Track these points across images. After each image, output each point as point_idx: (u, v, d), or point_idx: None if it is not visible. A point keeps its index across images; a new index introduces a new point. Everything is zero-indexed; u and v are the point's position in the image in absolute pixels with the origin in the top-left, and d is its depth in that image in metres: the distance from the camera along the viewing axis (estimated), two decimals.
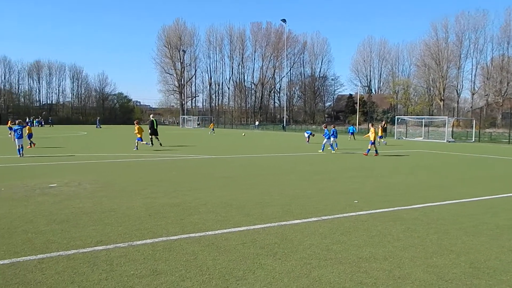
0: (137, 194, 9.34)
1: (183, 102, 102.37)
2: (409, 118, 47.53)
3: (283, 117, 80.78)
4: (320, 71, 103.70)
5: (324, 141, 22.39)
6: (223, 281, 4.49)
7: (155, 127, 24.30)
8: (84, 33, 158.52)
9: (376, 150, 20.85)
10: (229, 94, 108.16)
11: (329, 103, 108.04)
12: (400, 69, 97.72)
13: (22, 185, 10.26)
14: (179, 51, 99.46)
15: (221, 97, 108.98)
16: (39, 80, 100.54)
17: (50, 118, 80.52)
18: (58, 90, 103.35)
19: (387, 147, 28.22)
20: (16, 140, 18.09)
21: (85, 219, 7.02)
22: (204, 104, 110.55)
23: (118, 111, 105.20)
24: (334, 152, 21.80)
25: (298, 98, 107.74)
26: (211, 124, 50.58)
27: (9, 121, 39.60)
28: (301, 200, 8.86)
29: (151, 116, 26.52)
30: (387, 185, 11.26)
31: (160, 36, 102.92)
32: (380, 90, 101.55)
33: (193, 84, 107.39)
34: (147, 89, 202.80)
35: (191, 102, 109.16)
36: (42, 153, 19.68)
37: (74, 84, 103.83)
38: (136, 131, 22.78)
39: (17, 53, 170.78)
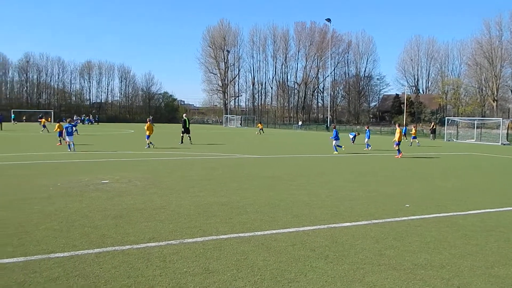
0: (185, 192, 9.49)
1: (226, 102, 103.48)
2: (460, 119, 45.69)
3: (327, 117, 79.89)
4: (365, 71, 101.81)
5: (334, 142, 21.53)
6: (275, 282, 4.46)
7: (187, 126, 25.52)
8: (133, 35, 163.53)
9: (399, 150, 19.72)
10: (272, 94, 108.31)
11: (374, 103, 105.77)
12: (450, 68, 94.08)
13: (77, 181, 10.68)
14: (223, 51, 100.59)
15: (263, 97, 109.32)
16: (89, 79, 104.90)
17: (97, 116, 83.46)
18: (107, 89, 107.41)
19: (439, 149, 27.26)
20: (67, 137, 19.40)
21: (137, 215, 7.20)
22: (247, 103, 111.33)
23: (163, 110, 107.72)
24: (336, 153, 20.97)
25: (342, 98, 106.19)
26: (259, 124, 50.38)
27: (43, 119, 42.90)
28: (350, 202, 8.69)
29: (184, 115, 27.77)
30: (438, 189, 10.85)
31: (205, 36, 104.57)
32: (428, 90, 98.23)
33: (237, 83, 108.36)
34: (191, 88, 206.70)
35: (234, 101, 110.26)
36: (93, 149, 20.44)
37: (122, 84, 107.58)
38: (146, 129, 22.92)
39: (70, 54, 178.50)
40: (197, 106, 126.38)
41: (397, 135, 20.10)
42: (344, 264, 5.05)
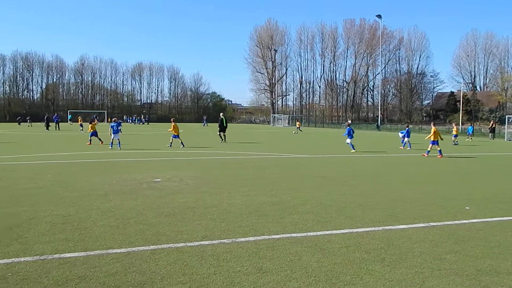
0: (236, 191, 9.54)
1: (274, 101, 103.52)
2: None
3: (377, 116, 77.94)
4: (417, 68, 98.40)
5: (347, 140, 21.25)
6: (330, 284, 4.35)
7: (224, 125, 26.67)
8: (182, 36, 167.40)
9: (439, 151, 18.76)
10: (320, 93, 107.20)
11: (428, 101, 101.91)
12: (510, 64, 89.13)
13: (131, 179, 11.02)
14: (270, 51, 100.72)
15: (311, 96, 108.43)
16: (140, 80, 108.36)
17: (147, 116, 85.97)
18: (157, 90, 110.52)
19: (498, 148, 25.86)
20: (112, 135, 20.83)
21: (190, 213, 7.31)
22: (294, 102, 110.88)
23: (211, 110, 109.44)
24: (354, 151, 20.46)
25: (393, 96, 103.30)
26: (297, 122, 50.19)
27: (80, 119, 46.75)
28: (406, 204, 8.38)
29: (221, 114, 29.17)
30: (501, 191, 10.23)
31: (252, 36, 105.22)
32: (486, 87, 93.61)
33: (284, 82, 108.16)
34: (238, 88, 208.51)
35: (282, 100, 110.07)
36: (144, 149, 21.07)
37: (171, 84, 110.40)
38: (172, 129, 22.86)
39: (122, 56, 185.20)
40: (245, 105, 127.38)
41: (432, 134, 19.15)
42: (402, 268, 4.85)
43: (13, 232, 6.03)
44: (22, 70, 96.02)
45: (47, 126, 44.31)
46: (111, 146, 20.93)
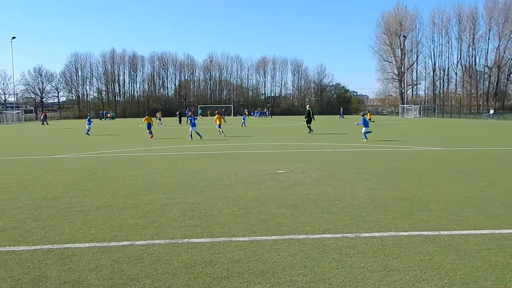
0: (360, 184, 9.17)
1: (403, 91, 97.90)
2: None
3: None
4: None
5: (363, 130, 21.70)
6: None
7: (311, 116, 28.06)
8: (304, 28, 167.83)
9: None
10: (456, 80, 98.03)
11: None
12: None
13: (254, 171, 11.31)
14: (399, 37, 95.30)
15: (446, 84, 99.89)
16: (264, 74, 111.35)
17: (270, 109, 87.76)
18: (281, 83, 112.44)
19: None
20: (191, 127, 23.43)
21: (312, 206, 7.21)
22: (426, 92, 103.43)
23: (335, 102, 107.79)
24: (365, 140, 20.94)
25: None
26: (368, 113, 46.94)
27: (159, 113, 50.22)
28: None
29: (307, 106, 31.09)
30: None
31: (379, 23, 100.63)
32: None
33: (414, 71, 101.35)
34: (364, 78, 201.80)
35: (412, 90, 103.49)
36: (267, 141, 21.57)
37: (294, 77, 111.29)
38: (216, 120, 25.76)
39: (246, 51, 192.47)
40: (371, 97, 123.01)
41: None
42: None
43: (149, 217, 6.59)
44: (158, 69, 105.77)
45: (180, 120, 48.13)
46: (191, 138, 22.96)
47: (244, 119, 41.66)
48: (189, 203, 7.47)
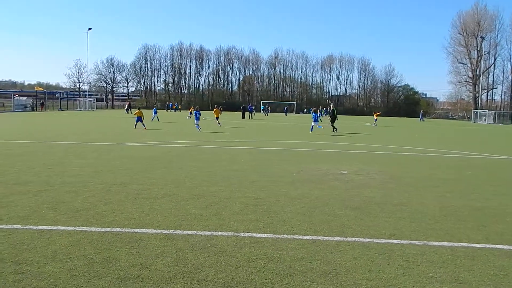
0: (428, 190, 8.76)
1: (477, 95, 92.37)
2: None
3: None
4: None
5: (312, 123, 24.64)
6: None
7: (335, 115, 28.88)
8: (374, 26, 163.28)
9: None
10: None
11: None
12: None
13: (317, 169, 11.17)
14: (476, 38, 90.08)
15: None
16: (330, 72, 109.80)
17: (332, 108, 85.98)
18: (346, 82, 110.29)
19: None
20: (195, 121, 25.94)
21: (377, 209, 6.99)
22: (503, 97, 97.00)
23: (402, 103, 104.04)
24: (310, 132, 24.25)
25: None
26: (375, 113, 44.06)
27: (192, 108, 50.96)
28: None
29: (331, 105, 33.29)
30: None
31: (455, 22, 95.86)
32: None
33: (491, 74, 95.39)
34: (434, 80, 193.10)
35: (487, 95, 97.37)
36: (331, 140, 21.23)
37: (361, 76, 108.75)
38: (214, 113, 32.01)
39: (312, 48, 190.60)
40: (441, 99, 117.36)
41: None
42: None
43: (213, 208, 6.71)
44: (224, 63, 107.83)
45: (243, 115, 48.69)
46: (199, 130, 25.23)
47: (317, 118, 30.20)
48: (251, 198, 7.52)
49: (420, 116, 67.58)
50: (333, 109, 29.25)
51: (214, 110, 33.13)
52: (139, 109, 27.75)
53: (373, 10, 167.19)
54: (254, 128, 31.32)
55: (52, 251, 4.69)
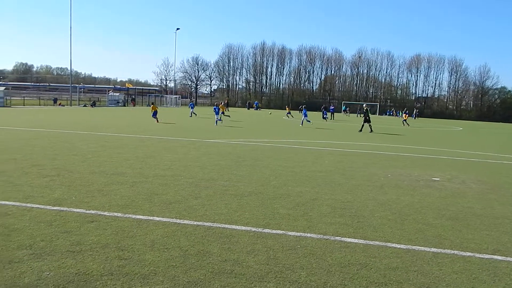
0: None
1: None
2: None
3: None
4: None
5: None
6: None
7: (368, 116, 28.52)
8: (468, 25, 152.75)
9: None
10: None
11: None
12: None
13: (406, 175, 10.67)
14: None
15: None
16: (417, 73, 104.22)
17: (417, 110, 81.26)
18: (435, 83, 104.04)
19: None
20: (215, 115, 28.33)
21: (476, 221, 6.49)
22: None
23: (498, 108, 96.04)
24: (301, 126, 25.04)
25: None
26: (404, 114, 41.59)
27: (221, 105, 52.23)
28: None
29: (364, 105, 33.43)
30: None
31: None
32: None
33: None
34: None
35: None
36: (421, 145, 20.17)
37: (451, 77, 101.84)
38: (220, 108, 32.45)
39: (399, 48, 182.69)
40: None
41: None
42: None
43: (300, 209, 6.66)
44: (305, 63, 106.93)
45: (324, 116, 47.99)
46: (216, 124, 27.43)
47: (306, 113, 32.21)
48: (339, 201, 7.36)
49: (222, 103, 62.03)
50: (366, 109, 29.36)
51: (220, 105, 34.88)
52: (153, 104, 32.28)
53: (466, 6, 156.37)
54: (338, 129, 30.77)
55: (150, 240, 4.94)
